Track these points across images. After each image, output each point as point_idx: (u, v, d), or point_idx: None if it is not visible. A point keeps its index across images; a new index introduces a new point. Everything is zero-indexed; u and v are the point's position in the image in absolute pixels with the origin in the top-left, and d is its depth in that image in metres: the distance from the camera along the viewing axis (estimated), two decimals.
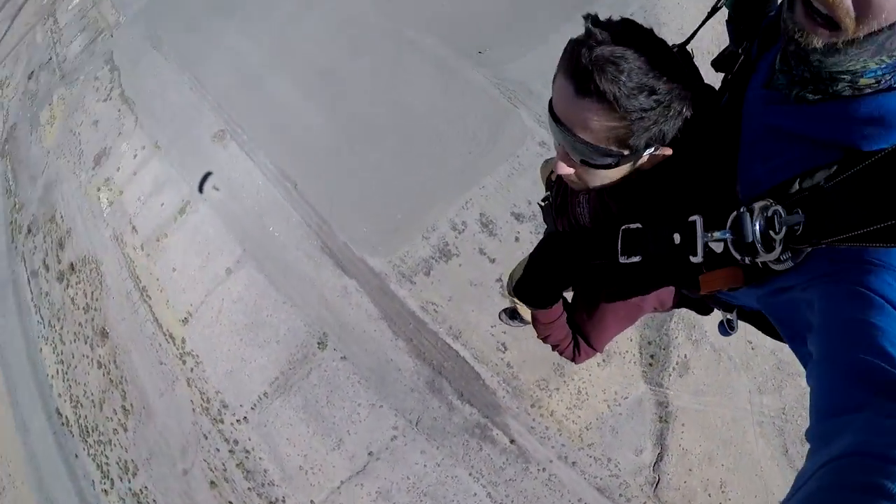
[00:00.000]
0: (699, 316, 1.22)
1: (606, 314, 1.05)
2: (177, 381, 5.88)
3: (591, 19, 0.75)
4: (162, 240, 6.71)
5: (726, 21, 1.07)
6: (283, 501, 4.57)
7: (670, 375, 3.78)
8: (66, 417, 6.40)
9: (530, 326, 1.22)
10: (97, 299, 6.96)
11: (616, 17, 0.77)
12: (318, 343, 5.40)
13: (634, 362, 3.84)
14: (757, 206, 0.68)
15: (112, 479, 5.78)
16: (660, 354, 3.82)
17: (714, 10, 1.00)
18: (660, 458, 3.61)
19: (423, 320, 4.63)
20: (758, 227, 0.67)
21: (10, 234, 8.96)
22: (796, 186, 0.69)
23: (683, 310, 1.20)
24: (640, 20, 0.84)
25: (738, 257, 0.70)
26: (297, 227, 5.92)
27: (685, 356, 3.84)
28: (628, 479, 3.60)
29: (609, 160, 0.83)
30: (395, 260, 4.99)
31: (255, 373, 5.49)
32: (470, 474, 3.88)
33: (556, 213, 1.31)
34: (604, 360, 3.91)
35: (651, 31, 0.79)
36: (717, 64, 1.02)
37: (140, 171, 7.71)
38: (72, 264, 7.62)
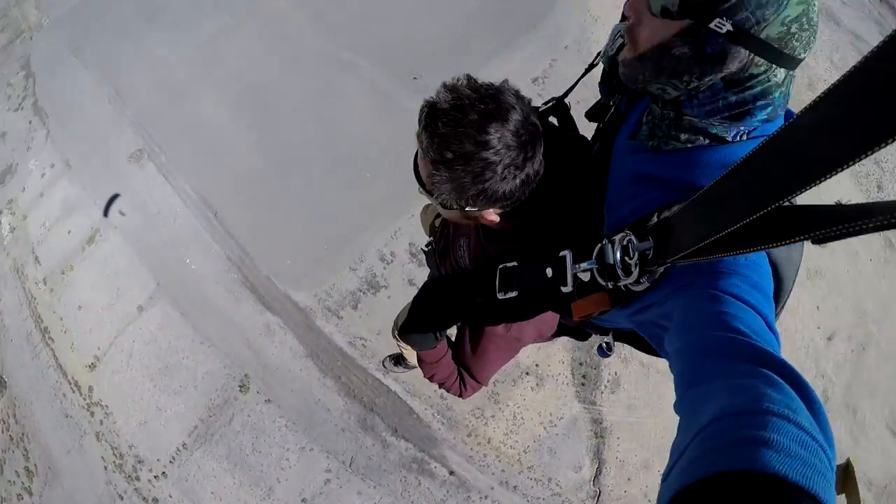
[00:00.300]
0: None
1: (488, 349, 1.08)
2: (85, 436, 4.94)
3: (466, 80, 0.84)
4: (67, 272, 5.94)
5: (600, 81, 1.13)
6: None
7: (602, 393, 3.82)
8: None
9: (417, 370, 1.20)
10: None
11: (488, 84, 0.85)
12: (240, 386, 4.76)
13: (567, 383, 3.87)
14: (616, 237, 0.76)
15: None
16: (591, 374, 3.86)
17: (591, 66, 1.11)
18: (599, 471, 3.69)
19: (351, 356, 4.30)
20: (617, 254, 0.75)
21: None
22: (654, 219, 0.77)
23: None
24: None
25: (603, 283, 0.77)
26: (216, 260, 5.18)
27: (616, 373, 3.90)
28: (570, 495, 3.65)
29: (437, 203, 0.91)
30: (321, 294, 4.59)
31: (171, 422, 4.79)
32: None
33: (438, 257, 1.35)
34: (537, 384, 3.85)
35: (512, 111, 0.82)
36: (590, 115, 1.13)
37: (47, 192, 6.82)
38: None
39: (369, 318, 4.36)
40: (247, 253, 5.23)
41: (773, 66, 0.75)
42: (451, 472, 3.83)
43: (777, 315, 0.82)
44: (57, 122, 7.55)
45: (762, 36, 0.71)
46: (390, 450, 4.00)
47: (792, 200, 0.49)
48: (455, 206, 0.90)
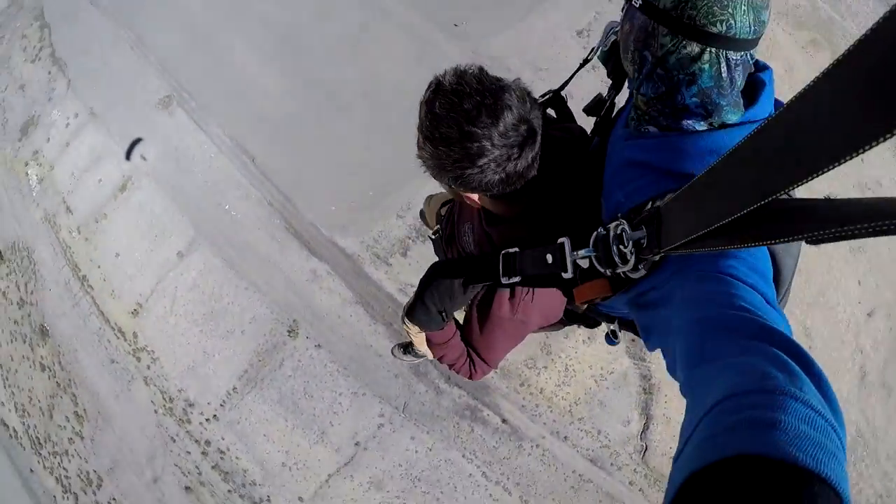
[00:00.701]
0: None
1: (496, 333, 1.08)
2: (133, 381, 4.96)
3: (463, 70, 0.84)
4: (101, 221, 5.85)
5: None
6: (268, 501, 4.12)
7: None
8: (14, 429, 5.45)
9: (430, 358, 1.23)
10: (32, 292, 6.02)
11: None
12: (289, 331, 4.58)
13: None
14: (612, 225, 0.75)
15: (75, 493, 4.97)
16: None
17: (585, 61, 1.10)
18: (646, 427, 3.71)
19: (402, 303, 4.19)
20: (611, 243, 0.74)
21: None
22: (649, 207, 0.77)
23: None
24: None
25: (601, 270, 0.77)
26: (257, 206, 5.02)
27: None
28: (618, 448, 3.69)
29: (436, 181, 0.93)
30: (369, 240, 4.48)
31: (220, 366, 4.69)
32: (463, 456, 3.76)
33: (445, 243, 1.38)
34: (589, 338, 3.81)
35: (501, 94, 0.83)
36: (588, 110, 1.12)
37: (73, 142, 6.66)
38: (0, 253, 6.71)
39: (419, 265, 4.26)
40: (288, 199, 5.10)
41: (679, 36, 0.76)
42: (504, 420, 3.84)
43: (780, 303, 0.81)
44: (77, 71, 7.29)
45: (660, 6, 0.75)
46: (443, 396, 3.96)
47: (790, 194, 0.47)
48: (438, 179, 0.92)
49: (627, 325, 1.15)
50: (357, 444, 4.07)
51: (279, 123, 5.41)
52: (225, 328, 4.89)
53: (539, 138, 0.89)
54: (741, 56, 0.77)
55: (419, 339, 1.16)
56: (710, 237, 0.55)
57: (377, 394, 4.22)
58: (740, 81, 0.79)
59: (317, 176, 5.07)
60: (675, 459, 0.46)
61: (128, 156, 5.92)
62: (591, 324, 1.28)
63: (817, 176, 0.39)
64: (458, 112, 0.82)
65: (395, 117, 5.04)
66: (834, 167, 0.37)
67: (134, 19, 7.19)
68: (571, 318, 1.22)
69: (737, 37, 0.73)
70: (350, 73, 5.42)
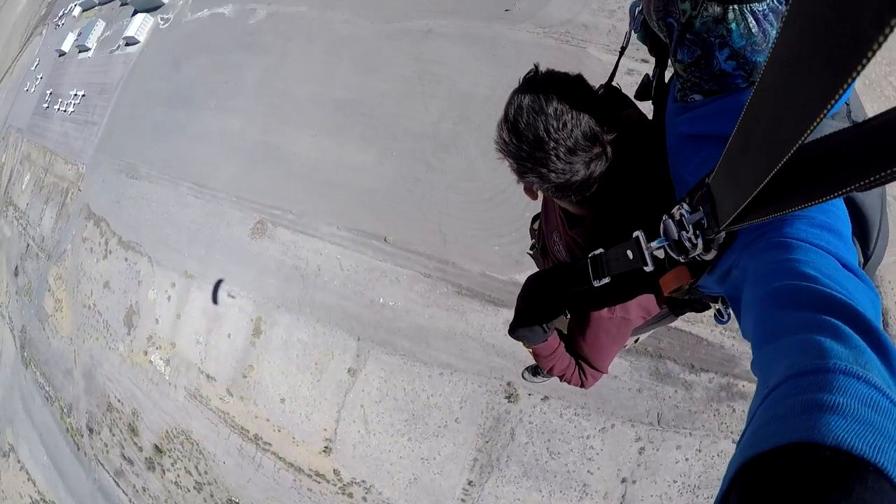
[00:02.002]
0: None
1: (600, 336, 1.05)
2: None
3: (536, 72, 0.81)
4: (249, 374, 5.41)
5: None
6: None
7: None
8: None
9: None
10: (205, 472, 5.61)
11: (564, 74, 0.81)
12: (507, 397, 3.94)
13: None
14: (674, 210, 0.71)
15: None
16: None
17: (623, 49, 1.10)
18: None
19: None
20: (673, 229, 0.71)
21: (73, 442, 7.54)
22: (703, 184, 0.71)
23: None
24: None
25: (676, 257, 0.72)
26: (413, 285, 4.49)
27: None
28: None
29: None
30: None
31: (445, 467, 4.00)
32: (733, 441, 3.28)
33: (542, 255, 1.34)
34: None
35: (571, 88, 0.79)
36: (638, 95, 1.11)
37: (183, 311, 6.40)
38: (156, 446, 6.27)
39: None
40: (445, 262, 4.48)
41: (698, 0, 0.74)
42: None
43: (871, 255, 0.74)
44: (152, 244, 7.13)
45: None
46: (693, 388, 3.45)
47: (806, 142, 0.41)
48: (511, 167, 0.89)
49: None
50: (623, 480, 3.59)
51: (386, 192, 4.87)
52: (435, 424, 4.22)
53: (608, 159, 0.82)
54: (768, 4, 0.70)
55: (530, 352, 1.10)
56: (757, 206, 0.50)
57: (626, 418, 3.63)
58: (773, 32, 0.70)
59: (453, 225, 4.43)
60: (738, 443, 0.41)
61: (214, 299, 5.53)
62: (699, 308, 1.15)
63: (821, 119, 0.35)
64: (539, 114, 0.78)
65: (484, 133, 4.44)
66: (827, 109, 0.34)
67: (183, 170, 7.02)
68: (676, 305, 1.11)
69: None
70: (433, 110, 4.86)
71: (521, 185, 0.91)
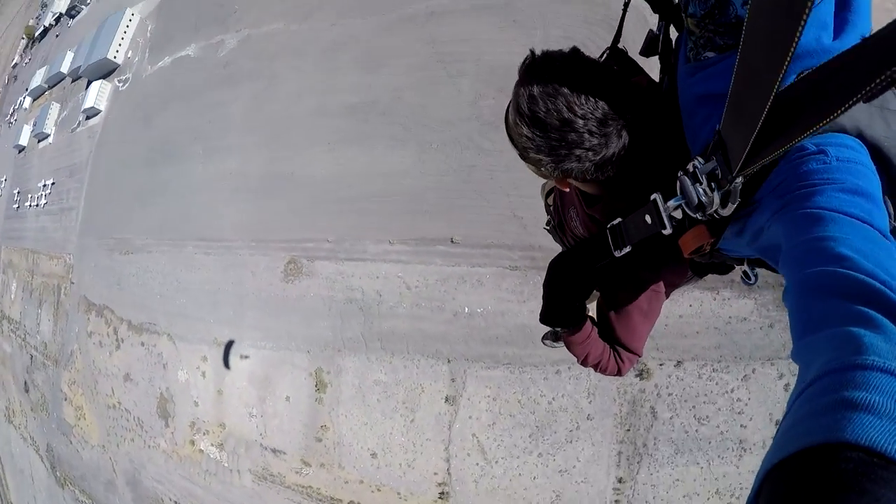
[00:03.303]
0: None
1: (632, 313, 1.02)
2: None
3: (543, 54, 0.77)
4: (324, 436, 4.52)
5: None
6: None
7: None
8: None
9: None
10: None
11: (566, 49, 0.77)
12: (639, 374, 3.41)
13: None
14: (690, 164, 0.69)
15: None
16: None
17: (626, 4, 1.03)
18: None
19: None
20: (687, 182, 0.68)
21: None
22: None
23: None
24: None
25: (693, 215, 0.70)
26: (499, 282, 3.77)
27: None
28: None
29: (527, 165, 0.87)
30: None
31: (589, 471, 3.51)
32: None
33: (559, 231, 1.35)
34: None
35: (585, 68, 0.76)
36: (644, 51, 1.05)
37: (224, 385, 5.50)
38: None
39: None
40: (530, 246, 3.69)
41: None
42: None
43: None
44: (168, 321, 6.20)
45: None
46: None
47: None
48: (525, 161, 0.84)
49: (758, 262, 0.93)
50: (777, 422, 3.26)
51: (437, 189, 4.11)
52: (565, 429, 3.57)
53: (634, 123, 0.77)
54: None
55: (563, 342, 1.05)
56: (767, 141, 0.50)
57: (764, 358, 3.18)
58: None
59: (528, 205, 3.69)
60: (775, 437, 0.39)
61: (226, 363, 4.72)
62: (723, 270, 1.07)
63: (800, 30, 0.39)
64: (557, 96, 0.72)
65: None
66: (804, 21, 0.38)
67: (183, 230, 6.14)
68: (699, 269, 1.06)
69: None
70: (466, 90, 4.16)
71: (547, 183, 1.00)
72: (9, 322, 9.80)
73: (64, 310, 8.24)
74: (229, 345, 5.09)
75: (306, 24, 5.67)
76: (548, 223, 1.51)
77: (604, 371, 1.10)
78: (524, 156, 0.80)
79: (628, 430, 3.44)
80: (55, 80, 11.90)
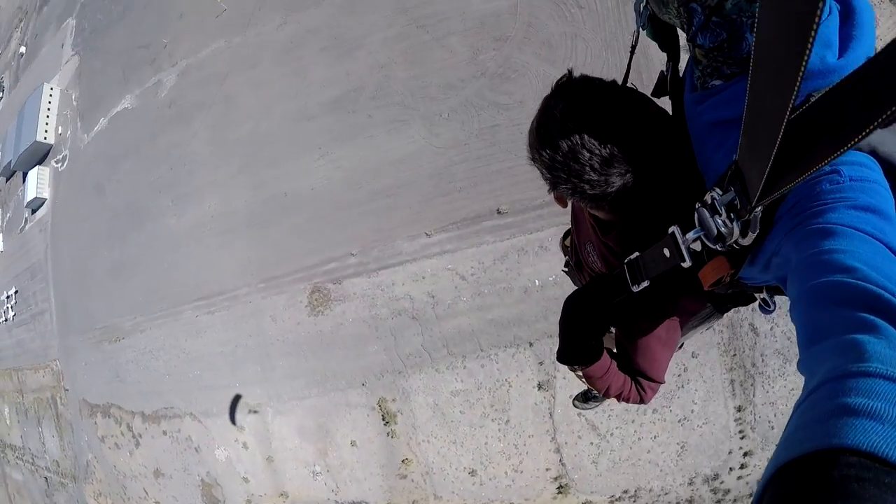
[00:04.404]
0: None
1: (651, 343, 1.00)
2: None
3: (568, 80, 0.76)
4: (408, 469, 3.75)
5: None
6: None
7: None
8: None
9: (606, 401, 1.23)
10: None
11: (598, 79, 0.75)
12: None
13: None
14: (707, 196, 0.67)
15: None
16: None
17: (633, 49, 1.02)
18: None
19: None
20: (706, 215, 0.65)
21: None
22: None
23: None
24: None
25: (712, 246, 0.67)
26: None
27: None
28: None
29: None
30: None
31: (706, 411, 3.17)
32: None
33: (576, 270, 1.30)
34: None
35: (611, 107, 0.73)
36: (655, 92, 1.03)
37: (273, 451, 4.69)
38: None
39: None
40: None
41: None
42: None
43: None
44: (185, 399, 5.31)
45: None
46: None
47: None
48: (541, 175, 0.81)
49: (776, 290, 0.87)
50: None
51: (462, 161, 3.49)
52: (673, 377, 3.18)
53: (644, 165, 0.74)
54: None
55: (582, 378, 1.02)
56: (785, 170, 0.49)
57: None
58: None
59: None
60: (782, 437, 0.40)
61: (233, 420, 4.02)
62: (743, 301, 0.99)
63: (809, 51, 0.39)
64: (574, 123, 0.71)
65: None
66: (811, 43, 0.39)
67: (174, 295, 5.24)
68: (719, 300, 0.99)
69: None
70: (460, 47, 3.53)
71: (552, 194, 0.84)
72: (12, 450, 8.64)
73: (66, 421, 7.19)
74: (260, 405, 4.47)
75: (250, 32, 4.88)
76: (566, 265, 1.48)
77: (627, 401, 1.08)
78: (532, 159, 0.78)
79: (734, 355, 3.10)
80: None
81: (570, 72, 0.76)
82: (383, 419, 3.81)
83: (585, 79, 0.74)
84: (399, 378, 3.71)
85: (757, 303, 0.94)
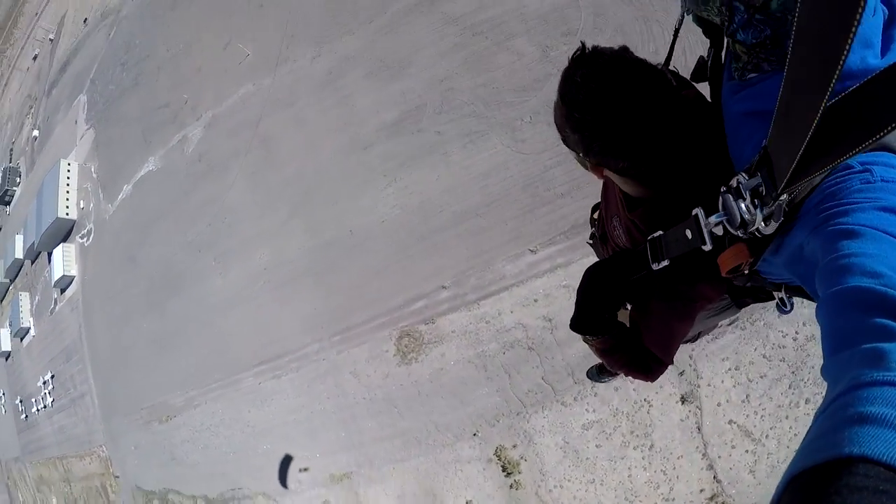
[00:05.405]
0: None
1: (664, 324, 0.99)
2: None
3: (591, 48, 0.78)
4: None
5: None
6: None
7: None
8: None
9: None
10: None
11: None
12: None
13: None
14: (734, 180, 0.65)
15: None
16: None
17: (676, 32, 1.01)
18: None
19: None
20: (730, 199, 0.65)
21: None
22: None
23: None
24: None
25: (734, 232, 0.65)
26: None
27: None
28: None
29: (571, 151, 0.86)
30: None
31: None
32: None
33: (601, 243, 1.30)
34: None
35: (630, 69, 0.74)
36: (694, 76, 1.02)
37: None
38: None
39: None
40: None
41: None
42: None
43: None
44: (254, 476, 4.65)
45: None
46: None
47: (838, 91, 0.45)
48: (573, 149, 0.83)
49: (796, 290, 0.87)
50: None
51: (557, 165, 2.86)
52: (819, 357, 2.26)
53: (664, 124, 0.75)
54: None
55: (593, 349, 1.01)
56: (814, 158, 0.48)
57: None
58: None
59: None
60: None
61: (284, 483, 3.47)
62: (761, 297, 0.98)
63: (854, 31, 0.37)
64: (597, 82, 0.72)
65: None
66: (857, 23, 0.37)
67: (230, 362, 4.66)
68: (737, 293, 0.97)
69: None
70: (526, 47, 3.04)
71: (584, 166, 0.85)
72: None
73: None
74: (349, 474, 3.89)
75: (280, 71, 4.47)
76: (591, 237, 1.45)
77: (634, 376, 1.06)
78: (565, 140, 0.80)
79: None
80: (14, 270, 10.22)
81: (583, 43, 0.75)
82: (504, 470, 3.16)
83: (596, 48, 0.74)
84: (518, 420, 3.09)
85: (775, 301, 0.92)
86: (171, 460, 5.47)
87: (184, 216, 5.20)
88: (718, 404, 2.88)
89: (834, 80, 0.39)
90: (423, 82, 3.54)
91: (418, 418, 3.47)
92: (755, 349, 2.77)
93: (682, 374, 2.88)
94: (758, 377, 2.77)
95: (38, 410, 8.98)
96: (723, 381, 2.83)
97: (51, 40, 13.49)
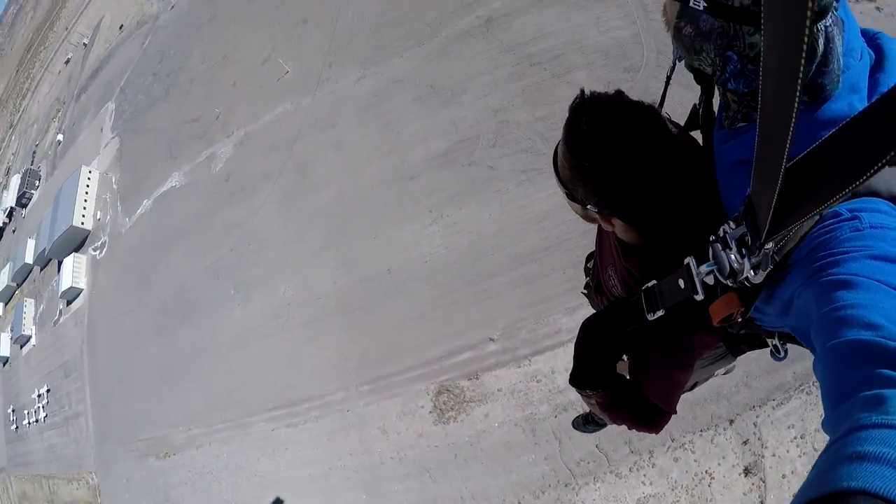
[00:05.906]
0: None
1: (664, 374, 0.96)
2: None
3: (591, 95, 0.75)
4: None
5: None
6: None
7: None
8: None
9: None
10: None
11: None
12: None
13: None
14: (720, 229, 0.65)
15: None
16: None
17: (668, 77, 1.01)
18: None
19: None
20: (718, 248, 0.65)
21: None
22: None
23: None
24: None
25: (724, 281, 0.65)
26: None
27: None
28: None
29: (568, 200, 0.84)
30: None
31: None
32: None
33: (596, 293, 1.28)
34: None
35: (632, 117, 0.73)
36: (688, 125, 1.01)
37: None
38: None
39: None
40: None
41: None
42: None
43: None
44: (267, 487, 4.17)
45: (736, 3, 0.65)
46: None
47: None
48: (572, 199, 0.82)
49: (789, 336, 0.83)
50: None
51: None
52: None
53: (670, 167, 0.75)
54: (831, 17, 0.60)
55: (594, 404, 0.96)
56: (793, 206, 0.48)
57: None
58: (839, 47, 0.62)
59: None
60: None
61: None
62: (756, 344, 1.01)
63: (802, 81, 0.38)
64: (604, 128, 0.71)
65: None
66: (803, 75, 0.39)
67: (240, 401, 4.28)
68: (732, 341, 1.01)
69: (825, 1, 0.60)
70: (583, 80, 2.66)
71: (578, 212, 0.83)
72: None
73: None
74: None
75: (321, 91, 4.27)
76: (586, 286, 1.44)
77: (638, 429, 1.03)
78: (570, 194, 0.78)
79: None
80: (22, 275, 9.99)
81: (582, 91, 0.75)
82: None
83: (595, 94, 0.74)
84: (566, 492, 2.69)
85: (769, 348, 0.94)
86: (164, 501, 5.00)
87: (205, 238, 4.92)
88: (783, 476, 2.59)
89: (791, 133, 0.40)
90: (476, 112, 3.29)
91: (453, 484, 3.04)
92: (820, 413, 2.40)
93: (745, 442, 2.65)
94: (823, 443, 2.41)
95: (29, 424, 8.61)
96: (788, 451, 2.63)
97: (84, 45, 13.73)
